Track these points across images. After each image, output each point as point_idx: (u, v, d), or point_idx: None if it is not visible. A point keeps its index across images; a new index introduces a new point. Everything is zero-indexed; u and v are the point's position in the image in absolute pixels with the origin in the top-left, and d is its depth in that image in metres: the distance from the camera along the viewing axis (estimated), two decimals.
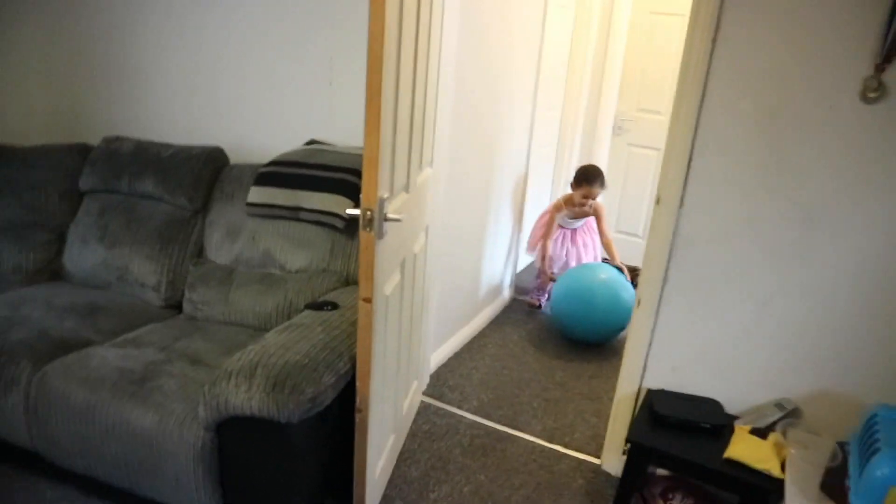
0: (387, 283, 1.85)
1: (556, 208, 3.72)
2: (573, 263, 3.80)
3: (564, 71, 4.11)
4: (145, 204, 2.66)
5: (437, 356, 3.04)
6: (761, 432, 1.98)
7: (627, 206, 4.49)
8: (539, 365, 3.18)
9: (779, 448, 1.91)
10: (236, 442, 1.74)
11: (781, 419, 2.02)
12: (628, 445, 2.04)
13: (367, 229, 1.62)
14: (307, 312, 2.05)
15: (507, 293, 3.91)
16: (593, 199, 3.57)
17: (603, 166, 4.41)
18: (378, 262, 1.66)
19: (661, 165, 2.05)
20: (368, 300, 1.68)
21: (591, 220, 3.83)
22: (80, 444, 1.94)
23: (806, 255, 1.92)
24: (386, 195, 1.65)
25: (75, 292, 2.56)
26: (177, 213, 2.61)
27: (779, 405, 2.06)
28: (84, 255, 2.67)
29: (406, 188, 1.94)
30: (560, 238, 3.84)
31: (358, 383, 1.76)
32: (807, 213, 1.89)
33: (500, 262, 3.70)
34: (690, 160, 1.98)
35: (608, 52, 4.27)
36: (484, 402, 2.82)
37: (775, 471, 1.84)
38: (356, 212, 1.63)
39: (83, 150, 2.87)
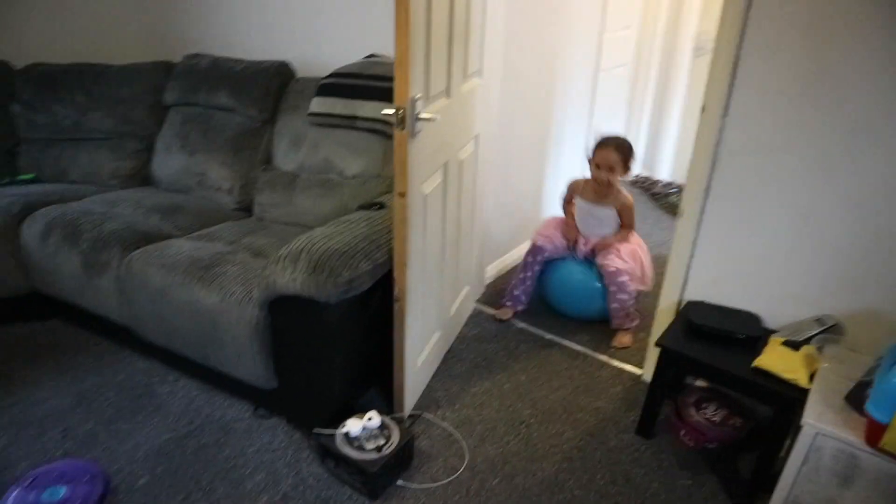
0: (425, 183, 1.95)
1: (571, 194, 2.88)
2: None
3: None
4: (220, 115, 2.87)
5: (494, 268, 3.15)
6: (795, 345, 1.98)
7: None
8: None
9: (810, 360, 1.91)
10: (284, 320, 1.94)
11: (819, 334, 2.01)
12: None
13: (400, 128, 1.72)
14: (357, 212, 2.20)
15: None
16: (609, 170, 2.64)
17: (681, 91, 4.29)
18: (411, 160, 1.77)
19: (709, 71, 2.01)
20: (403, 195, 1.79)
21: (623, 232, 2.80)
22: (158, 320, 2.22)
23: (851, 166, 1.86)
24: (418, 95, 1.74)
25: (161, 195, 2.84)
26: (248, 124, 2.81)
27: (819, 321, 2.04)
28: (168, 162, 2.94)
29: (447, 93, 2.02)
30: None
31: (395, 273, 1.91)
32: (854, 123, 1.81)
33: (562, 184, 3.71)
34: (736, 66, 1.93)
35: None
36: (535, 311, 2.92)
37: (802, 381, 1.84)
38: (390, 111, 1.73)
39: (167, 67, 3.10)
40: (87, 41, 3.43)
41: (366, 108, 2.42)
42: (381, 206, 2.20)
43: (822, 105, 1.85)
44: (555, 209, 3.57)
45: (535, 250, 2.80)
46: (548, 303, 2.95)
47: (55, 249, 2.44)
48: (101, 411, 2.26)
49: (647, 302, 2.94)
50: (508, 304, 2.89)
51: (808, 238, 2.00)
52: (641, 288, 2.77)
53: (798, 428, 1.70)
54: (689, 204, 2.16)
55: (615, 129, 4.29)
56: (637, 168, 4.60)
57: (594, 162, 2.69)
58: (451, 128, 2.11)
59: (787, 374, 1.87)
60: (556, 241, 2.80)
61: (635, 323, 2.77)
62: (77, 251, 2.38)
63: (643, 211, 4.05)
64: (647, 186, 4.40)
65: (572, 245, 2.80)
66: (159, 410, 2.27)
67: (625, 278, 2.64)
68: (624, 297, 2.67)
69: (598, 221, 2.78)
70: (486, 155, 2.65)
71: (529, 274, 2.84)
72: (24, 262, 2.58)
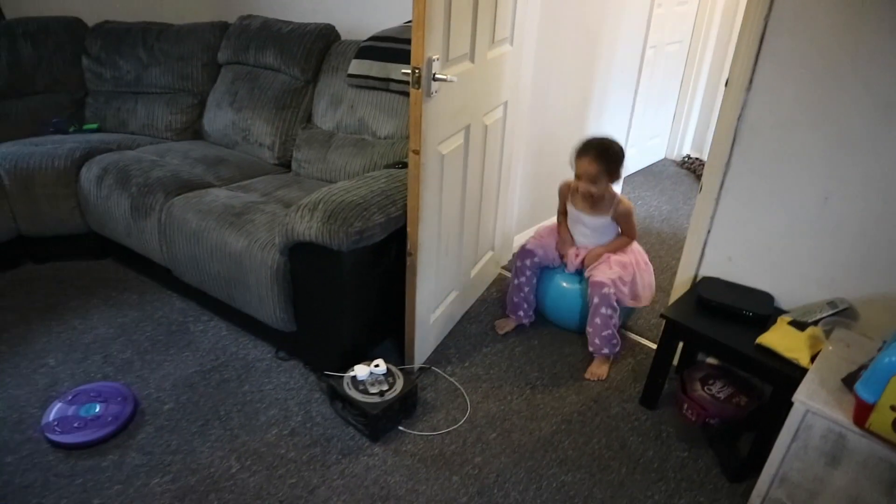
0: (444, 143, 2.02)
1: (563, 201, 2.54)
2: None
3: None
4: (266, 74, 3.01)
5: (523, 237, 3.19)
6: (801, 326, 1.97)
7: None
8: None
9: (814, 341, 1.89)
10: (302, 265, 2.07)
11: (828, 317, 1.99)
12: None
13: (416, 86, 1.79)
14: (382, 170, 2.29)
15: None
16: (590, 181, 2.28)
17: None
18: (426, 119, 1.84)
19: (735, 45, 1.99)
20: (417, 152, 1.87)
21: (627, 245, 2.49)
22: (193, 262, 2.38)
23: (873, 147, 1.82)
24: (436, 57, 1.80)
25: (208, 147, 3.01)
26: (291, 83, 2.93)
27: (831, 303, 2.02)
28: (218, 117, 3.10)
29: (470, 58, 2.07)
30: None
31: (409, 229, 1.99)
32: (879, 103, 1.77)
33: None
34: (763, 39, 1.90)
35: None
36: None
37: (803, 361, 1.84)
38: (408, 70, 1.80)
39: (223, 27, 3.26)
40: (153, 0, 3.63)
41: (399, 71, 2.50)
42: (405, 164, 2.28)
43: (847, 83, 1.81)
44: None
45: (522, 253, 2.52)
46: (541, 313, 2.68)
47: (108, 193, 2.64)
48: (139, 343, 2.46)
49: (663, 279, 2.93)
50: (512, 315, 2.61)
51: (827, 219, 1.97)
52: (631, 304, 2.46)
53: (790, 405, 1.71)
54: (708, 179, 2.16)
55: (665, 107, 4.24)
56: (686, 148, 4.52)
57: (575, 172, 2.33)
58: (474, 92, 2.16)
59: (788, 353, 1.87)
60: (548, 250, 2.51)
61: (617, 349, 2.40)
62: (126, 195, 2.57)
63: (688, 195, 4.00)
64: (694, 168, 4.33)
65: (563, 259, 2.51)
66: (190, 346, 2.44)
67: (609, 290, 2.30)
68: (607, 312, 2.32)
69: (591, 232, 2.46)
70: (517, 123, 2.68)
71: (523, 280, 2.53)
72: (82, 204, 2.79)
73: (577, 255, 2.47)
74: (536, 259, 2.50)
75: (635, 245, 2.53)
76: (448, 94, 1.95)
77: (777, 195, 2.04)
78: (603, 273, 2.34)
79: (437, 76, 1.82)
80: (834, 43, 1.80)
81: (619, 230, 2.48)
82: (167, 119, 3.20)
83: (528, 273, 2.53)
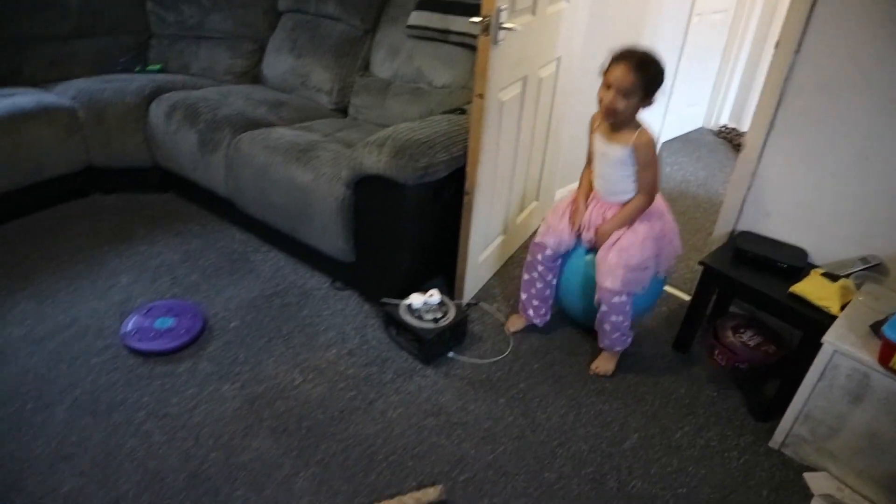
0: (504, 91, 2.15)
1: (592, 130, 2.14)
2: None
3: None
4: (327, 23, 3.13)
5: (563, 192, 3.31)
6: (834, 277, 2.08)
7: None
8: None
9: (845, 292, 2.01)
10: (366, 198, 2.22)
11: (860, 271, 2.10)
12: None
13: (485, 34, 1.92)
14: (441, 115, 2.42)
15: None
16: (620, 93, 1.90)
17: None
18: (492, 65, 1.96)
19: (787, 8, 2.08)
20: (481, 96, 2.00)
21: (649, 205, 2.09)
22: (258, 194, 2.54)
23: None
24: (504, 6, 1.92)
25: (267, 91, 3.16)
26: (351, 32, 3.06)
27: (863, 259, 2.13)
28: (277, 63, 3.24)
29: (532, 11, 2.18)
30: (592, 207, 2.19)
31: (468, 169, 2.13)
32: None
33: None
34: (814, 3, 1.99)
35: None
36: None
37: (834, 309, 1.95)
38: (478, 19, 1.92)
39: None
40: None
41: (459, 23, 2.62)
42: (463, 111, 2.41)
43: (893, 51, 1.90)
44: None
45: (533, 247, 2.26)
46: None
47: (176, 128, 2.80)
48: (204, 268, 2.64)
49: (697, 239, 3.04)
50: (522, 313, 2.39)
51: (865, 180, 2.07)
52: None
53: (818, 349, 1.84)
54: (751, 138, 2.26)
55: (706, 76, 4.30)
56: (724, 118, 4.59)
57: (604, 81, 1.95)
58: (533, 44, 2.28)
59: (820, 302, 1.98)
60: (563, 234, 2.19)
61: (628, 342, 2.21)
62: (195, 130, 2.73)
63: (724, 162, 4.08)
64: (731, 138, 4.40)
65: (577, 232, 2.19)
66: (251, 273, 2.62)
67: (622, 299, 2.06)
68: (617, 319, 2.11)
69: (609, 167, 2.07)
70: (567, 80, 2.79)
71: (535, 275, 2.27)
72: (150, 139, 2.96)
73: (588, 228, 2.16)
74: (549, 251, 2.21)
75: (658, 204, 2.12)
76: (511, 43, 2.07)
77: (818, 154, 2.14)
78: (612, 275, 2.03)
79: (503, 25, 1.94)
80: (883, 11, 1.89)
81: (637, 182, 2.05)
82: (227, 63, 3.34)
83: (539, 268, 2.26)
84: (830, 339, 1.80)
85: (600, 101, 1.97)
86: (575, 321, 2.45)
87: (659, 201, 2.13)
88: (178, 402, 2.00)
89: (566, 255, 2.25)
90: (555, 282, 2.29)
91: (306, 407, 2.00)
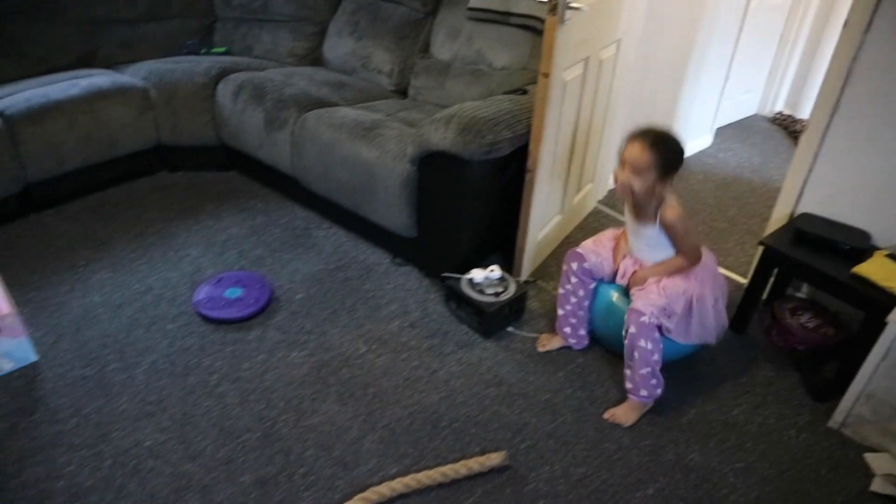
0: (567, 70, 2.18)
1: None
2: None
3: None
4: (388, 6, 3.20)
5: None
6: None
7: None
8: (715, 201, 3.34)
9: None
10: (431, 174, 2.28)
11: None
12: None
13: (552, 13, 1.95)
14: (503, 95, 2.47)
15: (707, 139, 3.99)
16: (634, 171, 1.85)
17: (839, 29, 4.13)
18: (558, 44, 2.00)
19: None
20: (546, 75, 2.04)
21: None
22: (323, 171, 2.62)
23: None
24: None
25: (329, 73, 3.24)
26: (411, 15, 3.12)
27: None
28: (338, 45, 3.32)
29: None
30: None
31: (531, 146, 2.18)
32: None
33: (699, 109, 3.76)
34: None
35: None
36: None
37: None
38: (545, 0, 1.96)
39: None
40: None
41: (520, 5, 2.65)
42: (525, 91, 2.45)
43: None
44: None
45: (570, 256, 2.12)
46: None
47: (243, 107, 2.90)
48: (269, 243, 2.74)
49: (753, 223, 3.03)
50: (558, 331, 2.23)
51: None
52: (681, 340, 1.98)
53: (881, 329, 1.84)
54: (815, 119, 2.25)
55: (762, 62, 4.25)
56: (780, 105, 4.52)
57: (620, 159, 1.91)
58: (596, 25, 2.30)
59: (883, 283, 1.97)
60: (604, 258, 2.11)
61: (658, 392, 1.96)
62: (261, 109, 2.82)
63: (779, 149, 4.03)
64: (787, 124, 4.34)
65: (615, 268, 2.12)
66: (314, 248, 2.71)
67: (648, 320, 1.87)
68: (646, 345, 1.89)
69: (641, 242, 2.04)
70: (626, 63, 2.80)
71: (569, 288, 2.14)
72: (216, 118, 3.07)
73: (624, 274, 2.08)
74: (586, 265, 2.08)
75: (708, 266, 2.04)
76: (576, 24, 2.09)
77: (882, 136, 2.12)
78: (645, 299, 1.92)
79: (570, 5, 1.98)
80: None
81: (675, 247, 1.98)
82: (290, 45, 3.44)
83: (573, 280, 2.12)
84: None
85: (615, 179, 1.95)
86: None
87: (709, 265, 2.05)
88: (250, 366, 2.10)
89: (599, 284, 2.16)
90: (586, 303, 2.16)
91: (371, 375, 2.08)
